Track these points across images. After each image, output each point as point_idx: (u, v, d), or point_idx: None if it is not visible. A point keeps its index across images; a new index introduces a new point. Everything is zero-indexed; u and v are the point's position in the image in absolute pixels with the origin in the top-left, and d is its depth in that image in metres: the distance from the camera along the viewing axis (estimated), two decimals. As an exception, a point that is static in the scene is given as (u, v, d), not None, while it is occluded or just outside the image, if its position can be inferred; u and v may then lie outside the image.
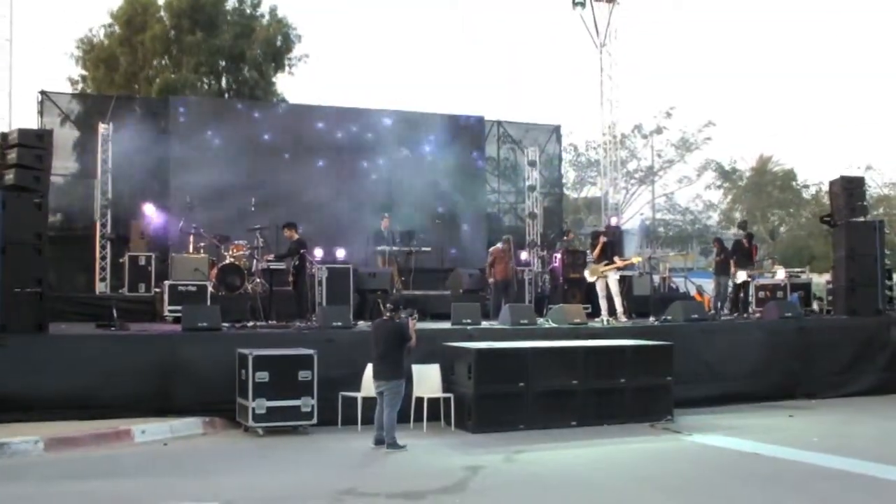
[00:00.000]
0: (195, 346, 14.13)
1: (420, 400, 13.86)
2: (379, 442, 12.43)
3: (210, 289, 18.02)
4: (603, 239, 19.23)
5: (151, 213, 21.43)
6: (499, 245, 20.58)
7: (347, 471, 11.11)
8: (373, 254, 21.70)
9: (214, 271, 18.93)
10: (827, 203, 22.29)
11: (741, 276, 20.98)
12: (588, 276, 19.31)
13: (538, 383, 14.06)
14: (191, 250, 19.89)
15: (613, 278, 18.76)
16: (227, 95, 36.39)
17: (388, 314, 12.72)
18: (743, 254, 21.23)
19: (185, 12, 36.58)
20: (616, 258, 18.98)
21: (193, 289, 17.73)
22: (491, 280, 20.26)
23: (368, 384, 13.76)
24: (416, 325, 12.93)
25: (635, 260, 20.73)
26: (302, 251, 17.73)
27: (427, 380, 14.11)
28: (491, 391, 13.74)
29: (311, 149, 25.04)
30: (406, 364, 12.90)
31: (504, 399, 13.84)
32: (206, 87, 36.65)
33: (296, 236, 17.85)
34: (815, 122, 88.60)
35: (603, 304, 18.81)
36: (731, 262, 21.17)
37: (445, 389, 14.17)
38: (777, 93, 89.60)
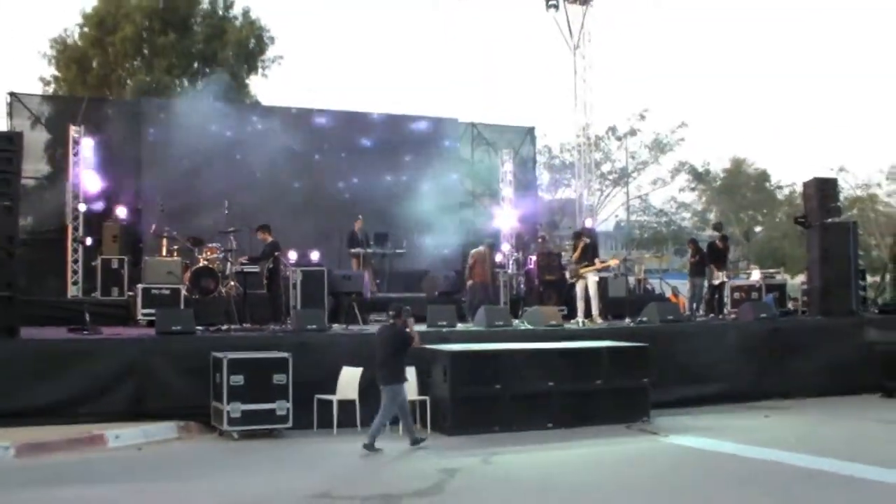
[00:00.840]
0: (169, 350, 14.04)
1: (396, 403, 13.82)
2: (415, 442, 12.64)
3: (184, 292, 17.93)
4: (585, 240, 19.24)
5: (124, 216, 21.27)
6: (480, 248, 20.59)
7: (322, 474, 11.06)
8: (347, 256, 21.64)
9: (188, 274, 18.81)
10: (801, 204, 22.38)
11: (720, 277, 21.01)
12: (569, 277, 19.33)
13: (514, 385, 14.06)
14: (164, 253, 19.75)
15: (593, 280, 18.76)
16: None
17: (390, 320, 12.79)
18: (717, 255, 21.25)
19: (157, 13, 36.35)
20: (596, 260, 19.00)
21: (167, 292, 17.64)
22: (470, 282, 20.26)
23: (344, 387, 13.83)
24: (413, 323, 13.14)
25: (612, 262, 20.77)
26: (276, 254, 17.66)
27: (403, 382, 14.06)
28: (466, 393, 13.74)
29: (285, 151, 24.81)
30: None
31: (480, 401, 13.83)
32: (179, 89, 36.42)
33: (269, 239, 17.78)
34: (788, 124, 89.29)
35: (580, 305, 18.81)
36: (711, 265, 21.15)
37: (421, 392, 14.17)
38: (750, 94, 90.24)
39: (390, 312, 12.97)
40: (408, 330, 12.85)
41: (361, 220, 21.76)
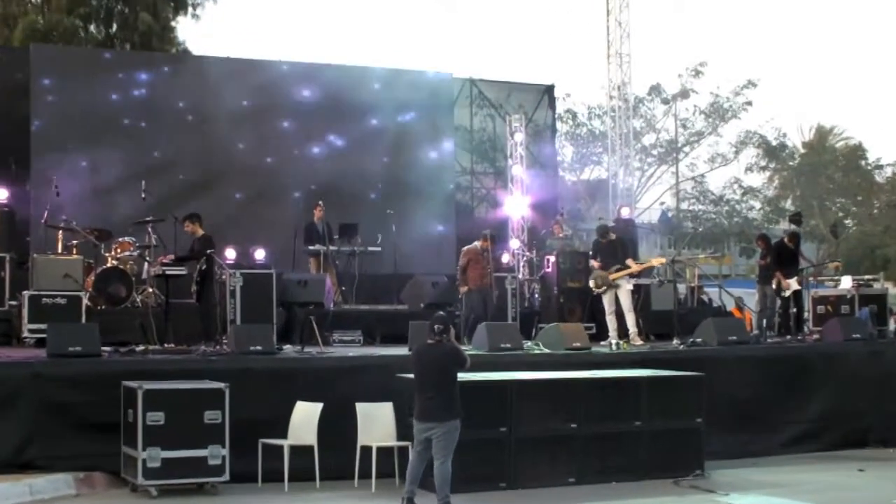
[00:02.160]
0: (65, 379, 13.97)
1: (367, 450, 13.82)
2: (410, 500, 12.53)
3: (85, 301, 17.87)
4: (611, 236, 19.21)
5: (4, 200, 21.24)
6: (476, 244, 20.50)
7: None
8: (303, 255, 21.61)
9: (91, 278, 18.78)
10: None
11: (792, 285, 20.90)
12: (592, 285, 19.30)
13: (525, 427, 14.12)
14: (59, 250, 19.68)
15: (626, 289, 18.74)
16: (112, 45, 36.09)
17: (435, 337, 12.80)
18: (787, 258, 21.12)
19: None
20: (630, 261, 18.96)
21: (62, 301, 17.55)
22: (464, 289, 20.19)
23: (298, 428, 13.79)
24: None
25: (656, 262, 20.72)
26: (209, 252, 17.64)
27: (376, 423, 14.07)
28: (462, 438, 13.67)
29: (219, 115, 24.68)
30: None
31: (479, 448, 13.79)
32: (82, 34, 36.33)
33: (200, 232, 17.77)
34: (889, 84, 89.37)
35: (611, 322, 18.80)
36: (777, 273, 21.00)
37: (401, 436, 14.10)
38: (839, 45, 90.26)
39: (436, 327, 12.82)
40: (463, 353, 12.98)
41: (322, 207, 21.70)
